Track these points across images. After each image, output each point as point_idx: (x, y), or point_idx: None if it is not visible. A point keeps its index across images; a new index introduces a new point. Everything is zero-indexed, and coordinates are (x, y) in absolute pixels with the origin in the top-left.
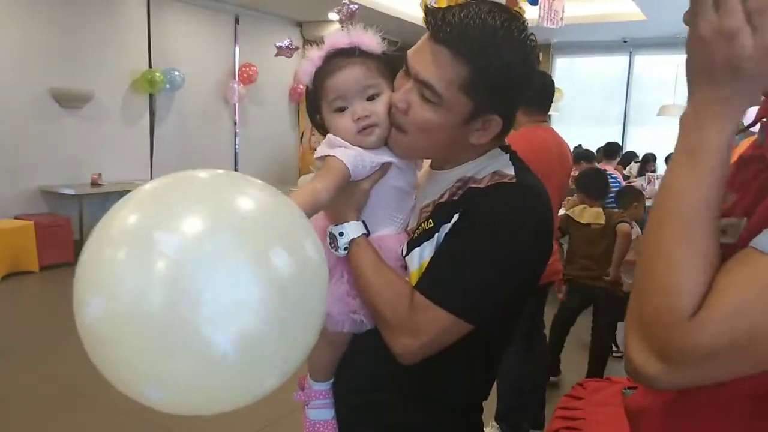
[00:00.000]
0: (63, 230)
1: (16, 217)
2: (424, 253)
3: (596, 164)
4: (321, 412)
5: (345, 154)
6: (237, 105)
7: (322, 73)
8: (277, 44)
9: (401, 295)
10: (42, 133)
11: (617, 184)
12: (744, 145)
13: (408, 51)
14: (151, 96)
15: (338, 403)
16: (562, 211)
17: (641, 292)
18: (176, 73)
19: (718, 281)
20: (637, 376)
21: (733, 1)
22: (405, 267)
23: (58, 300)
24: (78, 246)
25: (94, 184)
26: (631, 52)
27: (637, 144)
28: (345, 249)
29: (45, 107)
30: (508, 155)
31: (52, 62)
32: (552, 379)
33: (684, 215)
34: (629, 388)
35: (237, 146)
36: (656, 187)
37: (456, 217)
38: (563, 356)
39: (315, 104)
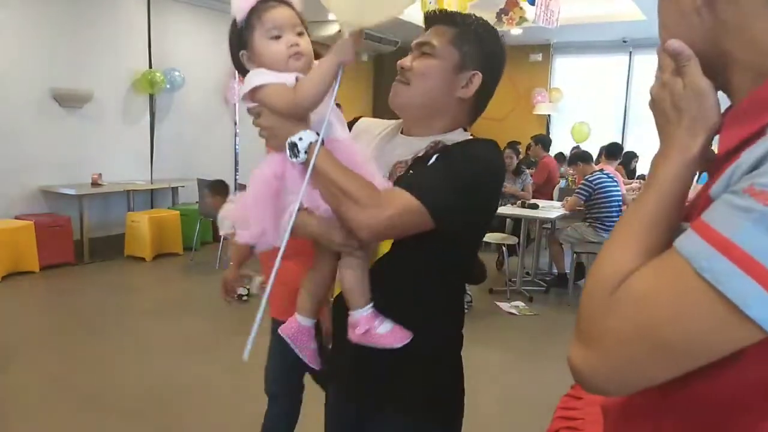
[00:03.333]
0: (63, 230)
1: (16, 217)
2: None
3: (594, 165)
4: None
5: (274, 77)
6: (237, 105)
7: (259, 9)
8: None
9: (368, 181)
10: (42, 133)
11: (615, 185)
12: None
13: None
14: (151, 96)
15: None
16: (561, 212)
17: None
18: (176, 73)
19: (638, 270)
20: (571, 371)
21: (665, 61)
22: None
23: (59, 300)
24: (78, 246)
25: (95, 184)
26: (630, 52)
27: (636, 144)
28: (305, 153)
29: (45, 107)
30: (469, 133)
31: (53, 62)
32: None
33: (628, 223)
34: None
35: (237, 146)
36: None
37: (435, 157)
38: (562, 359)
39: (244, 39)
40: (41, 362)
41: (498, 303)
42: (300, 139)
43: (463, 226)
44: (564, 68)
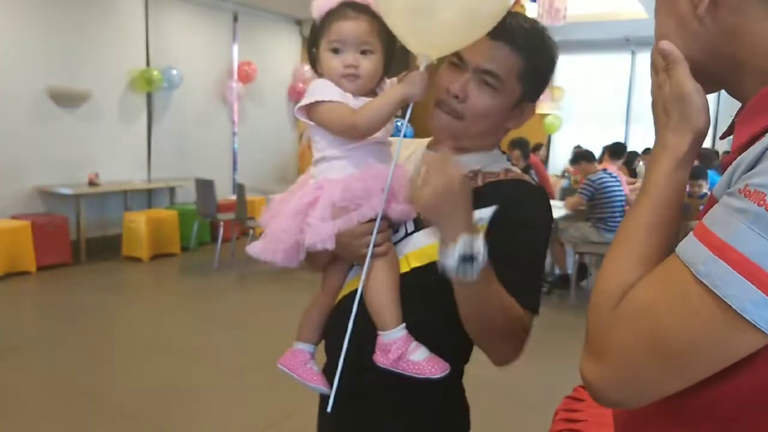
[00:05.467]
0: (60, 230)
1: (13, 217)
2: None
3: (596, 165)
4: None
5: (337, 93)
6: (235, 104)
7: (333, 15)
8: None
9: (517, 316)
10: (39, 132)
11: (618, 185)
12: None
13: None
14: (148, 95)
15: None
16: (563, 212)
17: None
18: (174, 71)
19: (641, 280)
20: (584, 382)
21: (658, 61)
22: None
23: (56, 300)
24: (75, 246)
25: (92, 183)
26: (633, 51)
27: (639, 143)
28: (480, 271)
29: (42, 106)
30: (505, 155)
31: (50, 61)
32: None
33: (626, 231)
34: None
35: (235, 145)
36: None
37: (489, 213)
38: (564, 361)
39: (315, 39)
40: (38, 363)
41: None
42: (480, 252)
43: None
44: (566, 67)
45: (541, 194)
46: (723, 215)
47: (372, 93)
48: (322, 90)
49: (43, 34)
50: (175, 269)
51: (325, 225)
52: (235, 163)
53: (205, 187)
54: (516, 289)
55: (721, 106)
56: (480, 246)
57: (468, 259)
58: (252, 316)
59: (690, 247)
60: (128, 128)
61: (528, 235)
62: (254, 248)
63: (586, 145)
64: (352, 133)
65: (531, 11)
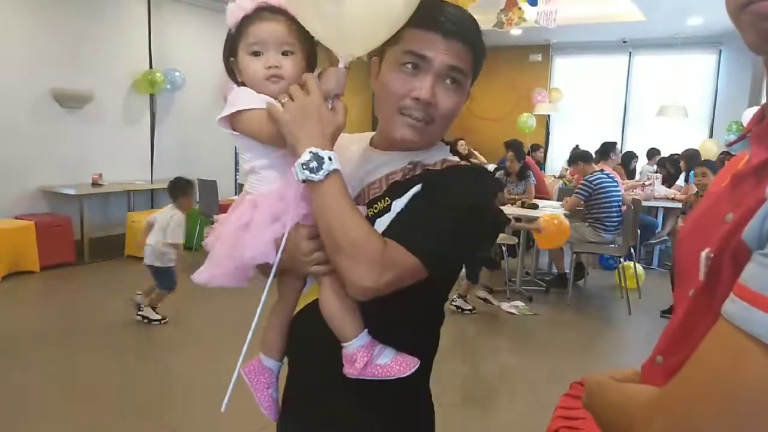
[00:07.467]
0: (64, 230)
1: (16, 217)
2: (381, 227)
3: (593, 165)
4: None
5: (260, 101)
6: None
7: (249, 19)
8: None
9: (374, 232)
10: (43, 133)
11: (615, 185)
12: (736, 163)
13: (409, 48)
14: (151, 96)
15: (297, 389)
16: (561, 211)
17: None
18: (177, 73)
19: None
20: None
21: None
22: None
23: (59, 300)
24: (78, 246)
25: (95, 184)
26: (630, 53)
27: (636, 144)
28: (326, 175)
29: (46, 108)
30: (449, 147)
31: (53, 63)
32: None
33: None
34: None
35: (237, 147)
36: (656, 187)
37: (417, 188)
38: (562, 359)
39: (233, 47)
40: (42, 362)
41: (498, 302)
42: (330, 158)
43: (452, 269)
44: (564, 68)
45: (469, 171)
46: None
47: None
48: (243, 98)
49: (47, 36)
50: (178, 269)
51: (263, 237)
52: (237, 163)
53: (207, 187)
54: (403, 231)
55: (718, 104)
56: (326, 155)
57: (320, 158)
58: (253, 315)
59: (758, 319)
60: (131, 129)
61: (439, 197)
62: (200, 277)
63: (584, 146)
64: (281, 140)
65: (528, 13)
